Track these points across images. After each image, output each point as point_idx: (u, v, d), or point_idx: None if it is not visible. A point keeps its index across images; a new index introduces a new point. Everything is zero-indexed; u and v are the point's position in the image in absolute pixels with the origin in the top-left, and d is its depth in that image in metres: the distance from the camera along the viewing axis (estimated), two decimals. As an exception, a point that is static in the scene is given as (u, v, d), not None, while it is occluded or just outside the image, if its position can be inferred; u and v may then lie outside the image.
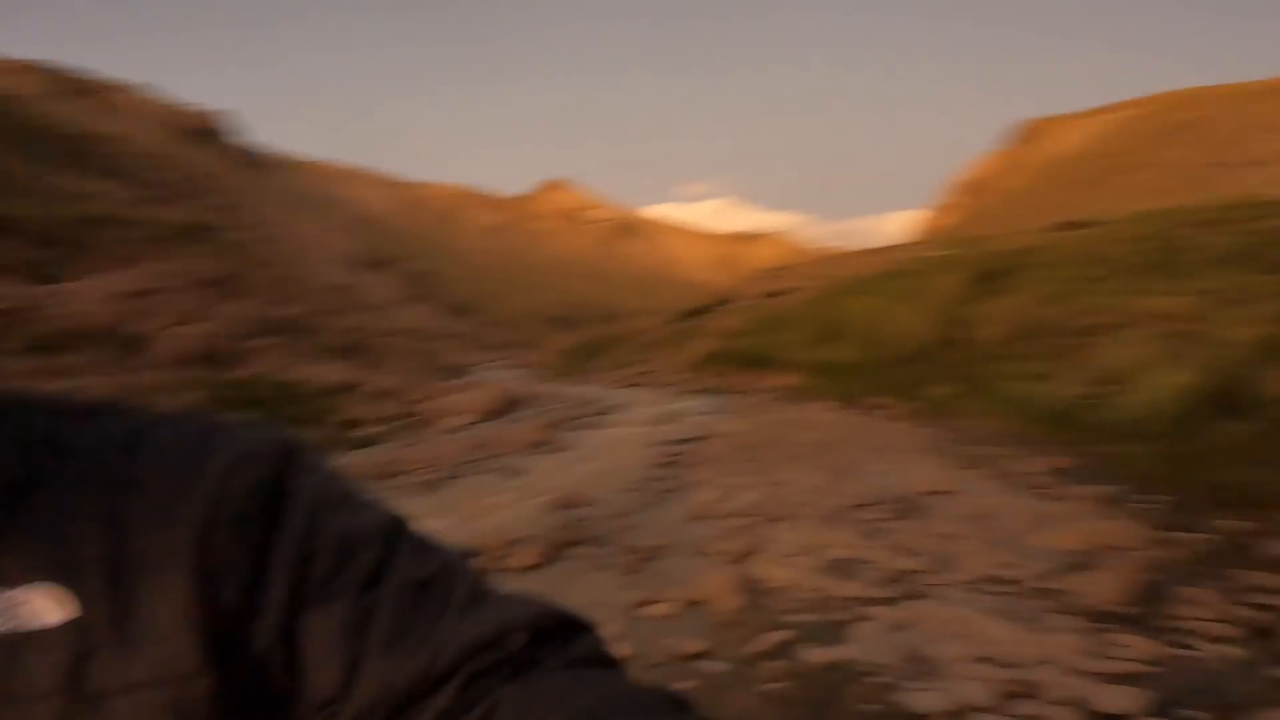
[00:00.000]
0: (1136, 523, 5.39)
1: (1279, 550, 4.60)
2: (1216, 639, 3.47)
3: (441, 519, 6.79)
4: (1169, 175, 52.28)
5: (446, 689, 0.41)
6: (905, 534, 5.56)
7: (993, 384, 12.07)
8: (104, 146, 33.56)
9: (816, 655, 3.51)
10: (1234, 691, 3.02)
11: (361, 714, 0.41)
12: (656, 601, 4.32)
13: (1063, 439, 8.88)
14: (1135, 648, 3.40)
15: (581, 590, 4.67)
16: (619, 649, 3.71)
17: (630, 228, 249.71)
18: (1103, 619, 3.76)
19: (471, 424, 13.59)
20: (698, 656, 3.57)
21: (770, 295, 32.41)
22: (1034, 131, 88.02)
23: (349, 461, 9.96)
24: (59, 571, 0.40)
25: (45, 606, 0.39)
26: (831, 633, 3.82)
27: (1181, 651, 3.38)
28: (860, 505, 6.52)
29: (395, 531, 0.46)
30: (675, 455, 9.87)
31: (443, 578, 0.45)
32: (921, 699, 3.05)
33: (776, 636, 3.74)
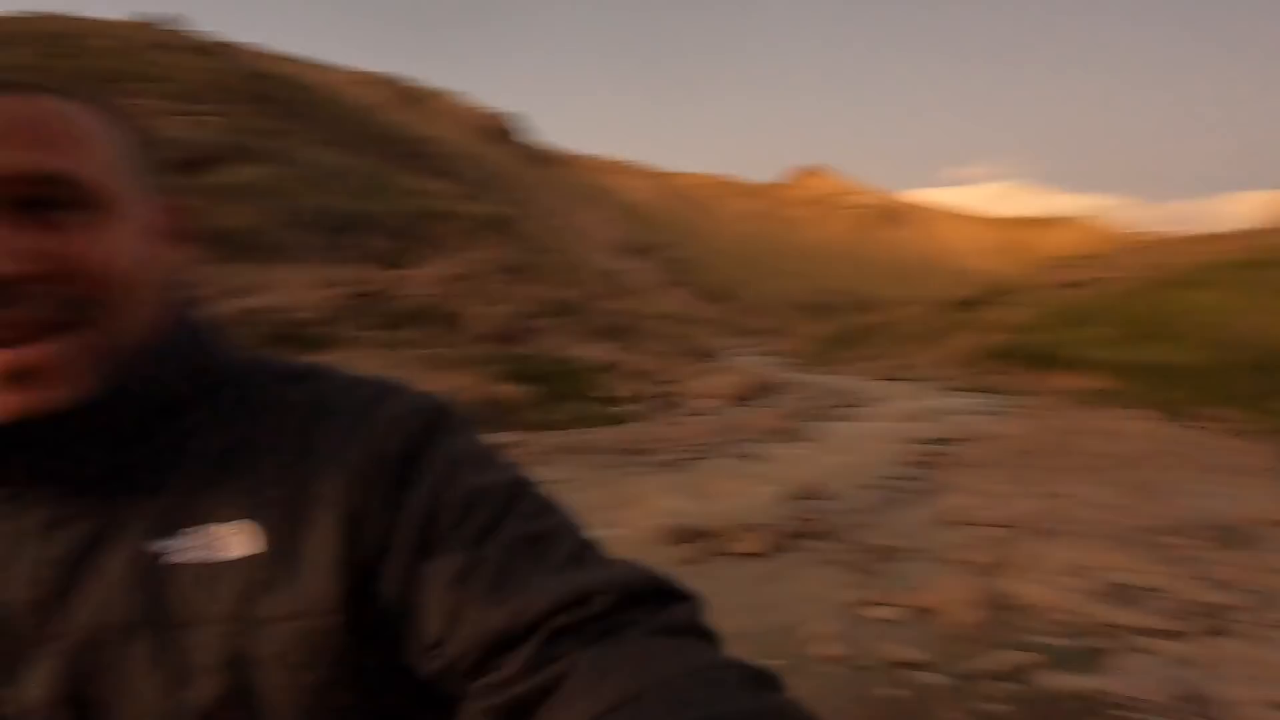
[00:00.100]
0: None
1: None
2: None
3: (678, 498, 7.23)
4: None
5: (530, 642, 0.42)
6: (1221, 565, 4.82)
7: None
8: (432, 148, 40.38)
9: (1058, 681, 3.31)
10: None
11: (458, 659, 0.44)
12: (881, 604, 4.30)
13: None
14: None
15: (803, 582, 4.77)
16: (828, 647, 3.70)
17: (893, 213, 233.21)
18: None
19: (719, 407, 14.24)
20: (915, 666, 3.50)
21: (1068, 286, 28.26)
22: None
23: (605, 435, 11.17)
24: (251, 511, 0.46)
25: (237, 541, 0.46)
26: (1086, 660, 3.54)
27: None
28: (1166, 528, 5.71)
29: (516, 491, 0.49)
30: (930, 455, 9.38)
31: (549, 537, 0.47)
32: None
33: (1014, 657, 3.56)
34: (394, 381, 0.54)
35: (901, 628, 4.00)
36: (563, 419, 12.12)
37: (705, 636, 0.45)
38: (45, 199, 0.45)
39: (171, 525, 0.47)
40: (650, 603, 0.45)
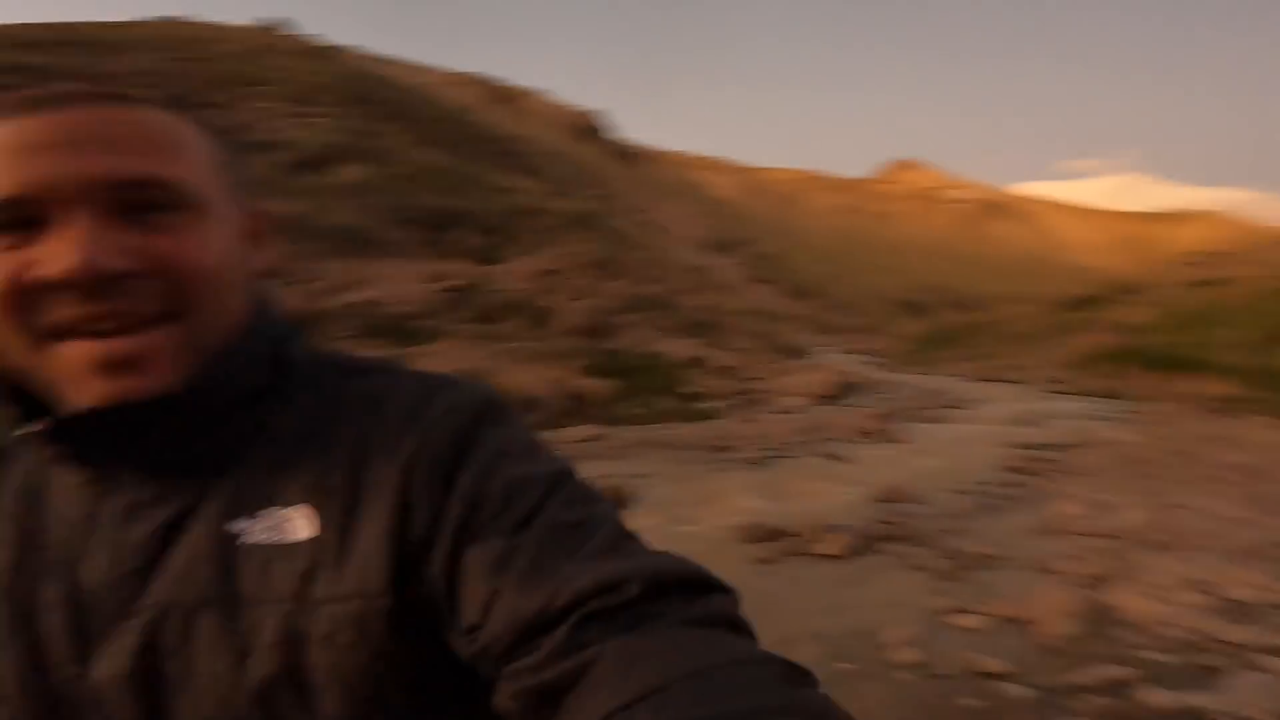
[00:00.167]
0: None
1: None
2: None
3: (758, 497, 7.18)
4: None
5: (561, 628, 0.43)
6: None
7: None
8: (522, 146, 41.55)
9: (1158, 698, 3.19)
10: None
11: (493, 642, 0.45)
12: (968, 612, 4.19)
13: None
14: None
15: (884, 586, 4.71)
16: (906, 653, 3.74)
17: (998, 207, 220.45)
18: None
19: (805, 406, 14.09)
20: (999, 677, 3.41)
21: (1197, 285, 26.06)
22: None
23: (687, 431, 11.28)
24: (314, 496, 0.49)
25: (300, 525, 0.48)
26: (1192, 677, 3.40)
27: None
28: (1291, 545, 5.32)
29: (557, 482, 0.51)
30: (1034, 461, 8.99)
31: (586, 525, 0.49)
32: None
33: (1111, 671, 3.45)
34: (449, 377, 0.57)
35: (988, 637, 3.89)
36: (646, 414, 12.31)
37: (739, 629, 0.45)
38: (146, 202, 0.48)
39: (244, 508, 0.50)
40: (684, 593, 0.46)
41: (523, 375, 13.00)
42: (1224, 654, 3.59)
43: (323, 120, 26.58)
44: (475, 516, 0.48)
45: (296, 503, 0.49)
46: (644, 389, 13.63)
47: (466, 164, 29.91)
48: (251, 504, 0.50)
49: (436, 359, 12.93)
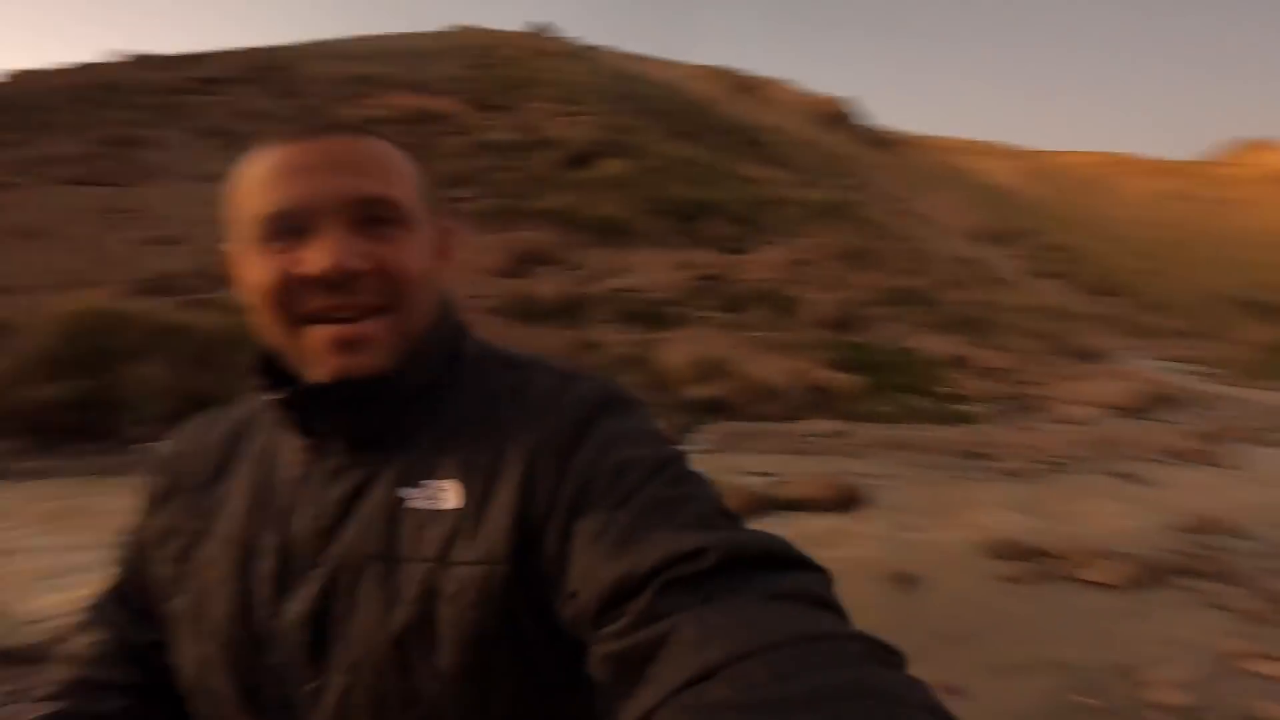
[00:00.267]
0: None
1: None
2: None
3: (1017, 512, 6.78)
4: None
5: (644, 594, 0.47)
6: None
7: None
8: (768, 136, 41.51)
9: None
10: None
11: (587, 607, 0.51)
12: (1272, 659, 3.77)
13: None
14: None
15: (1165, 622, 4.34)
16: (1171, 694, 3.63)
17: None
18: None
19: (1095, 417, 12.63)
20: None
21: None
22: None
23: (939, 434, 10.70)
24: (462, 473, 0.59)
25: (450, 496, 0.58)
26: None
27: None
28: None
29: (662, 463, 0.57)
30: None
31: (681, 501, 0.53)
32: None
33: None
34: (585, 373, 0.65)
35: (1282, 686, 3.47)
36: (893, 412, 11.98)
37: (825, 607, 0.46)
38: (377, 216, 0.61)
39: (411, 478, 0.60)
40: (767, 568, 0.48)
41: (764, 364, 13.29)
42: None
43: (587, 118, 29.30)
44: (586, 495, 0.55)
45: (449, 477, 0.59)
46: (894, 386, 13.24)
47: (715, 155, 30.79)
48: (417, 475, 0.60)
49: (683, 344, 13.82)
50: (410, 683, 0.55)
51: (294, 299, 0.60)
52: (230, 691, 0.61)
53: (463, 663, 0.55)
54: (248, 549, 0.62)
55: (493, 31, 49.20)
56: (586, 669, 0.51)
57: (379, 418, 0.62)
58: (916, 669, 0.41)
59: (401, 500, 0.59)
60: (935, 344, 16.35)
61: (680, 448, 0.60)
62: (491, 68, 35.63)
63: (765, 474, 8.82)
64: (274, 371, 0.64)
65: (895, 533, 6.22)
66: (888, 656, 0.42)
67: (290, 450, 0.64)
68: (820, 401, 12.40)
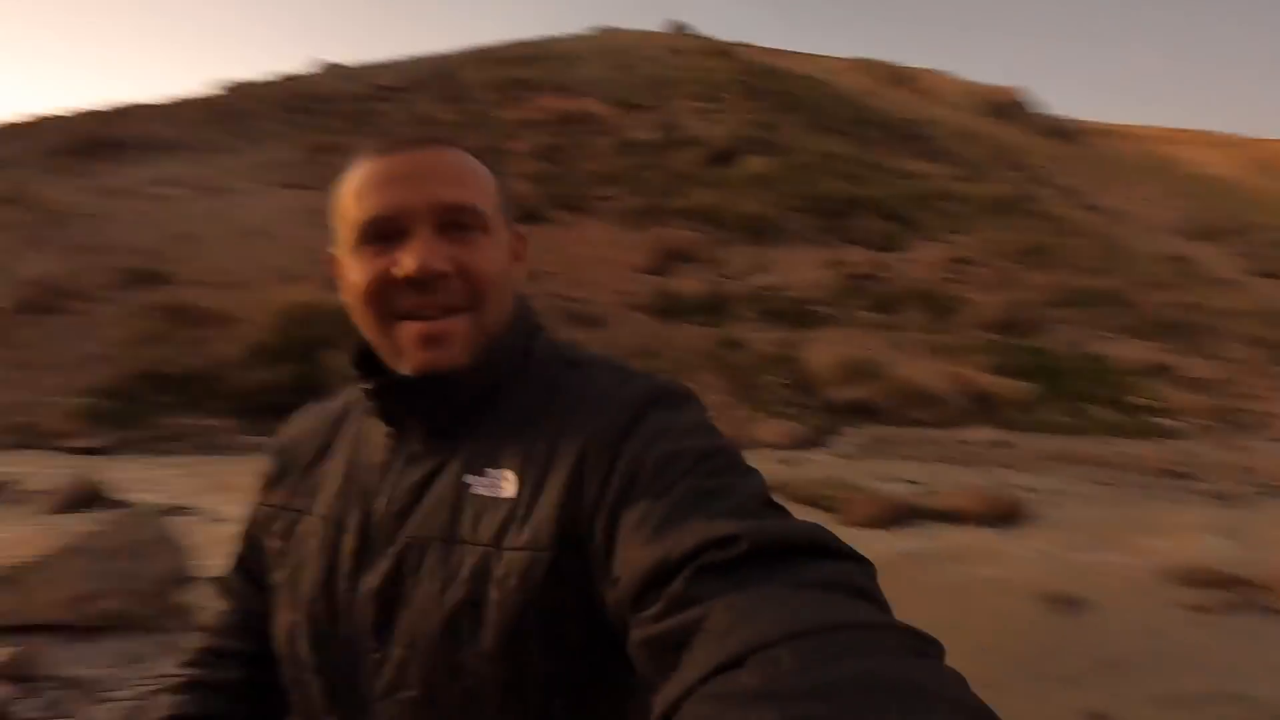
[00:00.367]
0: None
1: None
2: None
3: (1217, 537, 6.29)
4: None
5: (678, 579, 0.50)
6: None
7: None
8: (924, 129, 39.81)
9: None
10: None
11: (626, 592, 0.54)
12: None
13: None
14: None
15: None
16: None
17: None
18: None
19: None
20: None
21: None
22: None
23: (1124, 449, 9.87)
24: (520, 464, 0.65)
25: (507, 485, 0.64)
26: None
27: None
28: None
29: (708, 454, 0.60)
30: None
31: (722, 491, 0.56)
32: None
33: None
34: (642, 373, 0.70)
35: None
36: (1070, 423, 11.28)
37: (864, 597, 0.47)
38: (456, 222, 0.68)
39: (477, 465, 0.66)
40: (804, 556, 0.49)
41: (918, 367, 12.84)
42: None
43: (729, 115, 29.55)
44: (632, 487, 0.59)
45: (509, 467, 0.65)
46: (1073, 394, 12.34)
47: (864, 150, 30.23)
48: (481, 463, 0.66)
49: (830, 344, 13.58)
50: (457, 658, 0.62)
51: (387, 298, 0.67)
52: (310, 658, 0.70)
53: (501, 642, 0.60)
54: (338, 526, 0.70)
55: (632, 32, 50.83)
56: (622, 659, 0.55)
57: (453, 410, 0.69)
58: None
59: (466, 486, 0.65)
60: (1130, 350, 15.02)
61: (730, 440, 0.64)
62: (632, 68, 36.80)
63: (912, 482, 8.67)
64: (370, 364, 0.73)
65: (1059, 552, 5.95)
66: (924, 647, 0.42)
67: (377, 436, 0.72)
68: (980, 409, 11.93)
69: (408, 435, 0.70)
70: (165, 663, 1.08)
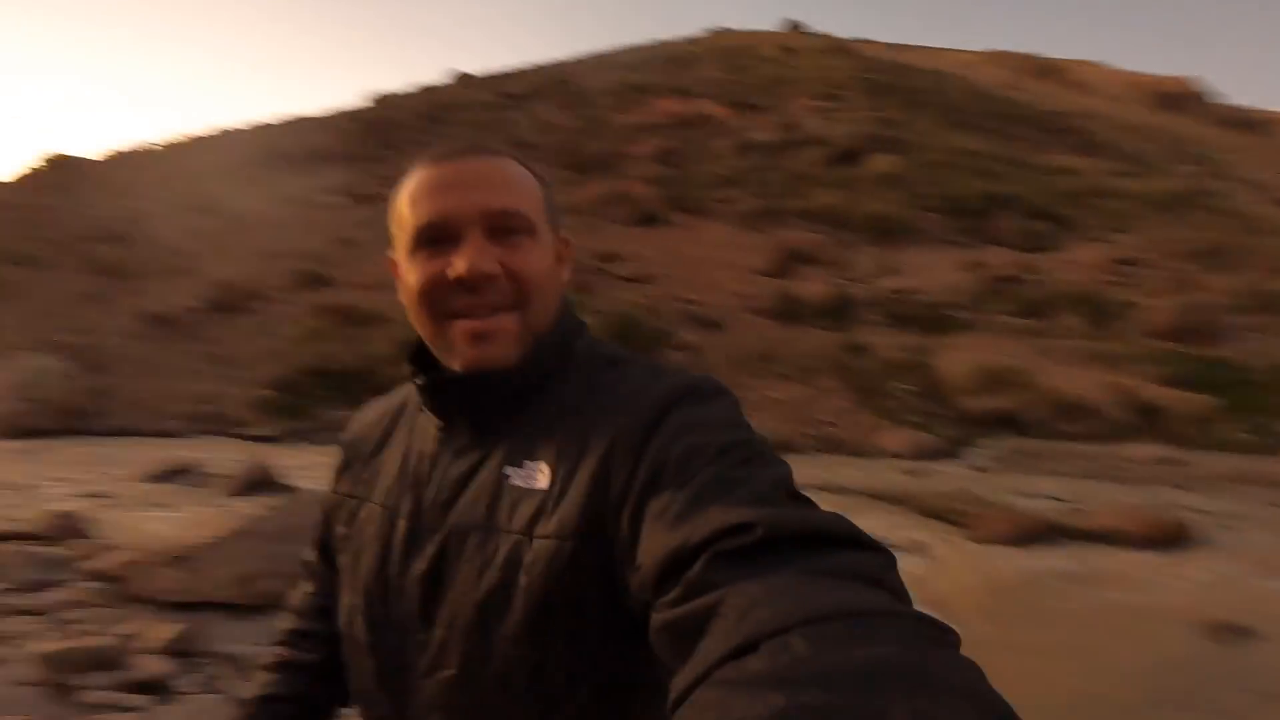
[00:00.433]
0: None
1: None
2: None
3: None
4: None
5: (695, 566, 0.52)
6: None
7: None
8: (1074, 122, 37.50)
9: None
10: None
11: (648, 577, 0.57)
12: None
13: None
14: None
15: None
16: None
17: None
18: None
19: None
20: None
21: None
22: None
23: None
24: (554, 457, 0.69)
25: (541, 477, 0.68)
26: None
27: None
28: None
29: (732, 446, 0.62)
30: None
31: (744, 480, 0.58)
32: None
33: None
34: (677, 371, 0.74)
35: None
36: (1253, 442, 10.31)
37: (881, 586, 0.48)
38: (505, 226, 0.73)
39: (516, 458, 0.71)
40: (820, 545, 0.51)
41: (1071, 377, 12.05)
42: None
43: (850, 114, 28.90)
44: (658, 479, 0.62)
45: (544, 460, 0.70)
46: (1258, 409, 11.10)
47: (1005, 145, 29.02)
48: (520, 456, 0.71)
49: (967, 351, 12.91)
50: (489, 641, 0.67)
51: (440, 298, 0.73)
52: (366, 639, 0.76)
53: (527, 627, 0.65)
54: (392, 513, 0.77)
55: (747, 32, 50.84)
56: (642, 655, 0.58)
57: (498, 405, 0.75)
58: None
59: (506, 477, 0.71)
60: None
61: (756, 433, 0.66)
62: (749, 69, 36.81)
63: (1059, 499, 8.30)
64: (424, 361, 0.79)
65: (1231, 579, 5.63)
66: (940, 636, 0.42)
67: (429, 429, 0.79)
68: (1145, 423, 11.09)
69: (456, 429, 0.76)
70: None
